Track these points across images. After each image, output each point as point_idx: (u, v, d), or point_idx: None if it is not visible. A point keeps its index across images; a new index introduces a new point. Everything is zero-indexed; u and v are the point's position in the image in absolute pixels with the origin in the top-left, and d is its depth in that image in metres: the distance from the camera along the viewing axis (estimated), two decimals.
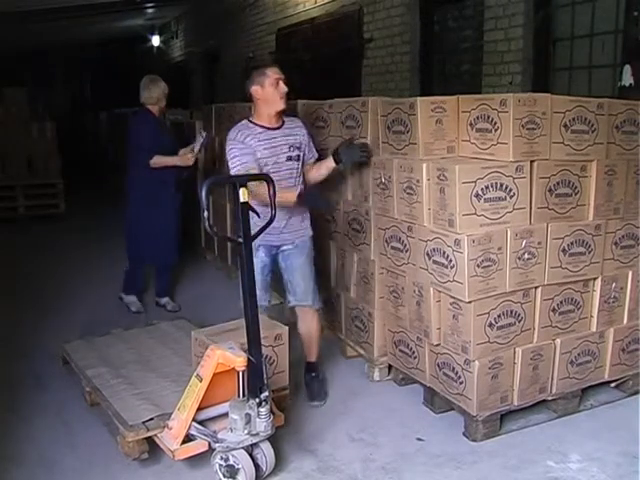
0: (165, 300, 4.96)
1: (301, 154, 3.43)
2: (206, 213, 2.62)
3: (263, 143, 3.29)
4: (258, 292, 3.39)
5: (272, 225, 3.22)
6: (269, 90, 3.28)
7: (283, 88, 3.30)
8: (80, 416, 3.27)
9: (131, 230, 4.82)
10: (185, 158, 4.61)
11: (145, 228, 4.70)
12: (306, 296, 3.46)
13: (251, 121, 3.37)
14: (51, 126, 8.92)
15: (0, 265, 5.95)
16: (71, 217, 8.46)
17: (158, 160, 4.51)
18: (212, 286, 5.42)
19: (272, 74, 3.29)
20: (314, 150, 3.56)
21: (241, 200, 2.66)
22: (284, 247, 3.44)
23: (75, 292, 5.19)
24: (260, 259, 3.36)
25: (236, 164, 3.22)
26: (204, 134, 4.72)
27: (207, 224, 2.69)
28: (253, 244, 3.33)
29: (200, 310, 4.71)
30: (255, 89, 3.30)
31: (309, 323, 3.51)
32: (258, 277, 3.39)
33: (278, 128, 3.38)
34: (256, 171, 3.17)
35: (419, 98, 3.13)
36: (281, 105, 3.32)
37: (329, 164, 3.45)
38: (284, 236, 3.40)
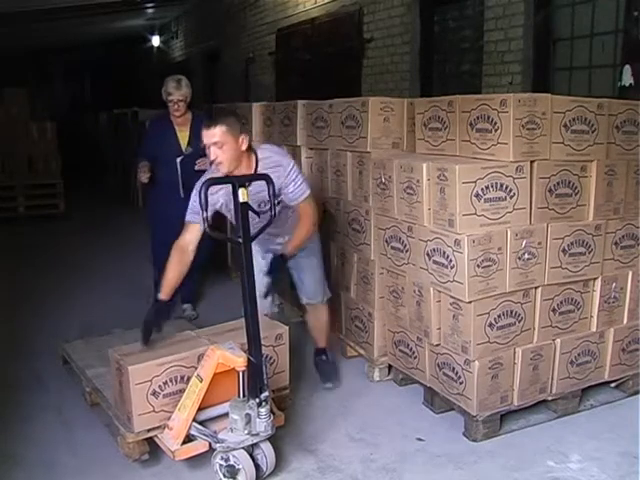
0: (186, 306, 4.71)
1: None
2: (205, 213, 2.63)
3: None
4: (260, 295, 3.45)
5: (278, 241, 3.35)
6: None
7: (209, 155, 2.95)
8: (80, 416, 3.27)
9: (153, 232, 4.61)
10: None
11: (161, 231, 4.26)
12: (316, 295, 3.58)
13: None
14: (51, 126, 8.91)
15: (0, 265, 5.95)
16: (71, 217, 8.49)
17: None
18: (212, 286, 5.42)
19: (204, 137, 2.92)
20: None
21: (241, 200, 2.66)
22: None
23: (75, 292, 5.19)
24: (266, 260, 3.37)
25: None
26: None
27: (206, 224, 2.69)
28: (259, 248, 3.35)
29: (200, 310, 4.72)
30: None
31: (318, 315, 3.66)
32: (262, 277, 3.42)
33: None
34: None
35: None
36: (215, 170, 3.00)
37: None
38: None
